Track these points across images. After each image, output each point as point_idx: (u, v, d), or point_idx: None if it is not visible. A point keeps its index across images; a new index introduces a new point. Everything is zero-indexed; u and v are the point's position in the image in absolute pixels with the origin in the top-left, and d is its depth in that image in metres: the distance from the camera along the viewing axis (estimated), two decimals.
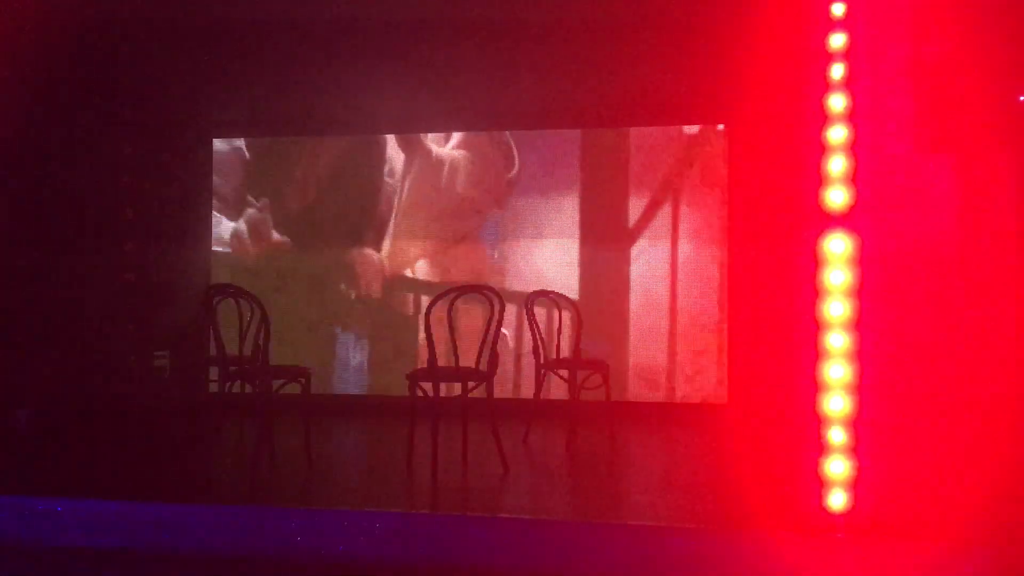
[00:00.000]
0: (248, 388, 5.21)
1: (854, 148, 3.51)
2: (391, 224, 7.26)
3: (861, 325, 3.46)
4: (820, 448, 3.47)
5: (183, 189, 7.16)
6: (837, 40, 3.57)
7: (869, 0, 3.61)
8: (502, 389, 5.02)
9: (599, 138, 7.00)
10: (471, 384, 4.69)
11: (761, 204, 5.88)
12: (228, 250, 7.42)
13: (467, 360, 4.77)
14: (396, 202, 7.26)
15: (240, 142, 7.45)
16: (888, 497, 3.44)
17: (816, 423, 3.49)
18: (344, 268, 7.29)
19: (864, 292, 3.47)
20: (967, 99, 3.68)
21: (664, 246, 6.85)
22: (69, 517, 3.80)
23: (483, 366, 4.66)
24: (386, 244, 7.25)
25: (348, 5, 4.88)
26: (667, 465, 4.93)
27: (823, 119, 3.56)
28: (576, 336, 5.74)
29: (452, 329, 4.61)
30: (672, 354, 6.80)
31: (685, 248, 6.81)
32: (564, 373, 5.64)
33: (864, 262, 3.47)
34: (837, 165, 3.50)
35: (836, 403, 3.45)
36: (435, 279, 7.09)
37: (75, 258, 5.98)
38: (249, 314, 5.52)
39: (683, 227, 6.82)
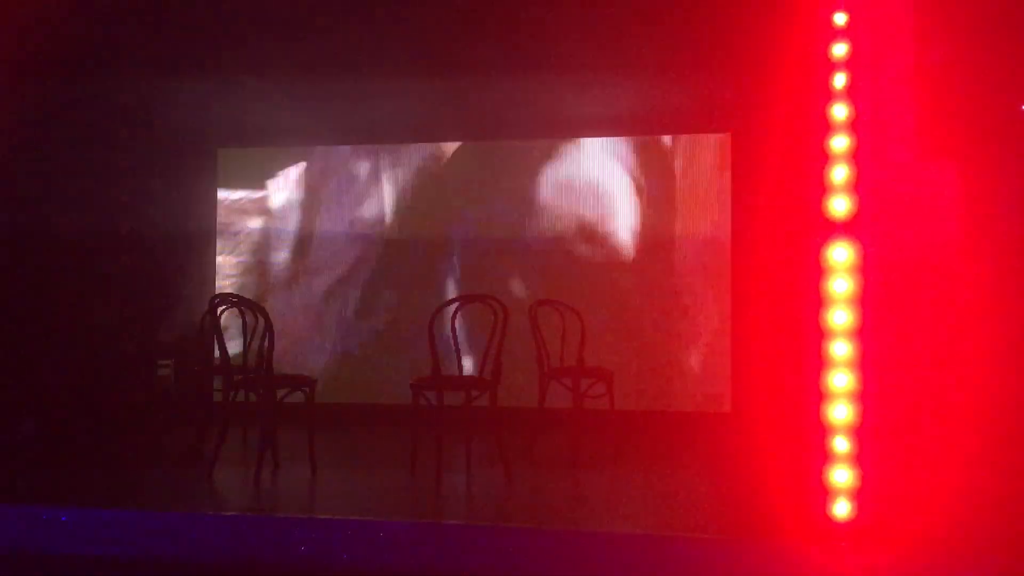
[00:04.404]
0: (252, 397, 5.21)
1: (857, 157, 3.51)
2: (393, 231, 7.27)
3: (865, 333, 3.46)
4: (824, 457, 3.46)
5: (188, 198, 7.18)
6: (839, 49, 3.58)
7: (871, 9, 3.62)
8: (505, 397, 5.02)
9: (604, 147, 7.01)
10: (475, 392, 4.69)
11: (765, 213, 5.88)
12: (233, 259, 7.43)
13: (471, 369, 4.77)
14: (399, 209, 7.27)
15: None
16: (892, 506, 3.43)
17: (820, 432, 3.48)
18: (347, 275, 7.30)
19: (867, 300, 3.46)
20: (969, 107, 3.69)
21: (668, 254, 6.85)
22: (74, 526, 3.81)
23: (487, 375, 4.66)
24: (390, 251, 7.26)
25: (357, 14, 4.91)
26: (671, 474, 4.92)
27: (826, 128, 3.56)
28: (580, 344, 5.73)
29: (456, 338, 4.61)
30: (676, 362, 6.79)
31: (689, 256, 6.81)
32: (568, 381, 5.63)
33: (867, 270, 3.47)
34: (840, 174, 3.51)
35: (840, 412, 3.44)
36: (439, 287, 7.09)
37: (79, 267, 6.00)
38: (253, 323, 5.54)
39: (687, 236, 6.82)
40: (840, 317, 3.47)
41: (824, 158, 3.54)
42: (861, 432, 3.44)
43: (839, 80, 3.56)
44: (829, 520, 3.42)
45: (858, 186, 3.49)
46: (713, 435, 6.15)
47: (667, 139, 6.92)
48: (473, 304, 4.81)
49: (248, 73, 5.80)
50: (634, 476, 5.00)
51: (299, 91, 6.30)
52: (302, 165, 7.42)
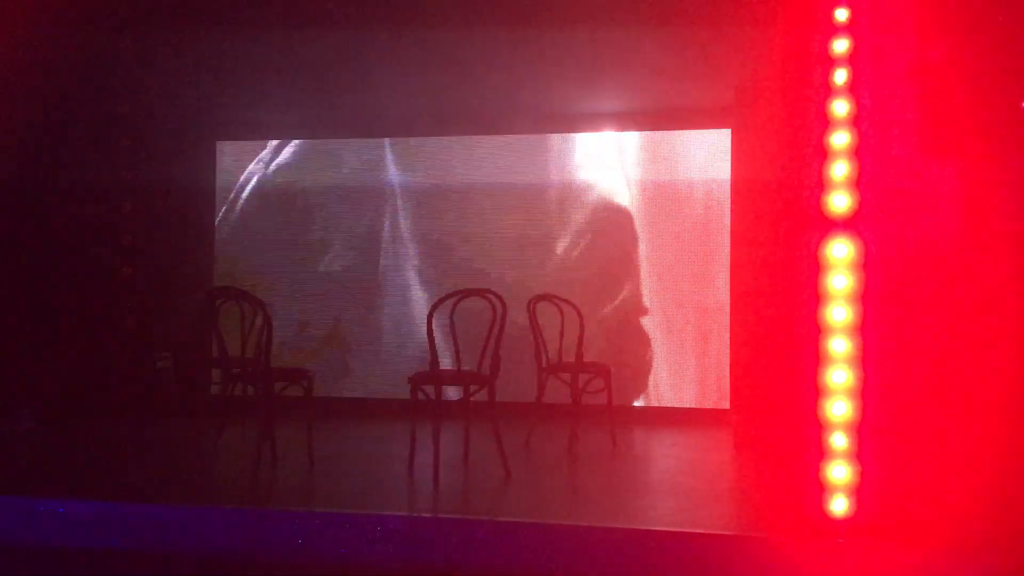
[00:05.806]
0: (250, 390, 5.21)
1: (857, 153, 3.50)
2: (394, 226, 7.26)
3: (864, 330, 3.46)
4: (822, 453, 3.46)
5: (187, 191, 7.17)
6: (840, 45, 3.57)
7: (872, 5, 3.61)
8: (503, 392, 5.01)
9: (603, 142, 7.00)
10: (473, 387, 4.68)
11: (764, 208, 5.87)
12: (231, 251, 7.42)
13: (469, 363, 4.76)
14: (399, 204, 7.26)
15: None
16: (890, 502, 3.43)
17: (818, 428, 3.48)
18: (346, 270, 7.29)
19: (867, 297, 3.46)
20: (970, 104, 3.68)
21: (667, 249, 6.85)
22: (71, 518, 3.81)
23: (485, 369, 4.65)
24: (390, 246, 7.25)
25: (356, 6, 4.90)
26: (669, 470, 4.92)
27: (826, 124, 3.55)
28: (579, 340, 5.73)
29: (454, 332, 4.60)
30: (675, 358, 6.79)
31: (688, 252, 6.81)
32: (566, 376, 5.63)
33: (867, 267, 3.46)
34: (840, 170, 3.50)
35: (838, 408, 3.44)
36: (438, 282, 7.08)
37: (77, 260, 5.99)
38: (251, 316, 5.53)
39: (685, 230, 6.82)
40: (839, 313, 3.46)
41: (824, 154, 3.53)
42: (859, 428, 3.43)
43: (840, 76, 3.55)
44: (827, 516, 3.42)
45: (858, 182, 3.48)
46: (711, 431, 6.14)
47: (667, 134, 6.90)
48: (472, 298, 4.80)
49: (248, 65, 5.78)
50: (632, 472, 5.00)
51: (297, 84, 6.29)
52: (300, 160, 7.40)
